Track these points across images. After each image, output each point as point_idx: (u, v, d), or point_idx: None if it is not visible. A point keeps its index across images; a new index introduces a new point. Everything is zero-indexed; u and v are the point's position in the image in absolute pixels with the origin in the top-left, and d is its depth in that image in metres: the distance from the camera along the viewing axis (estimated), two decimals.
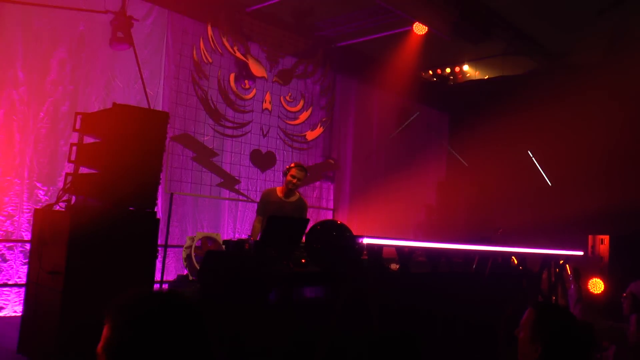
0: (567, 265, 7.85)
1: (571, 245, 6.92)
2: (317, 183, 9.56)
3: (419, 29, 8.59)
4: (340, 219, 9.57)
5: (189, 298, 1.53)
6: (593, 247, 8.81)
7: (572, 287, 7.62)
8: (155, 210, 4.57)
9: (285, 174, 5.80)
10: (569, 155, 9.55)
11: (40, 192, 6.49)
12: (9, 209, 6.31)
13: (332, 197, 9.72)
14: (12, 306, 6.27)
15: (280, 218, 5.41)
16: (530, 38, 9.38)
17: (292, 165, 5.80)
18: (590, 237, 8.89)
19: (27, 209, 6.37)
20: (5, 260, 6.27)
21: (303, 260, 4.62)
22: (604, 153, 9.38)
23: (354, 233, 4.43)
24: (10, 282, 6.28)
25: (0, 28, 6.30)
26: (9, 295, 6.28)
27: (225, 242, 5.09)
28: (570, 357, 2.35)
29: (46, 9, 6.45)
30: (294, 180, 5.76)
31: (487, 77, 11.39)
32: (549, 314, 2.44)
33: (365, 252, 4.36)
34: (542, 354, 2.32)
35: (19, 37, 6.44)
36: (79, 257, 4.00)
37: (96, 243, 4.09)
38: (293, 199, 5.87)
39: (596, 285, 8.66)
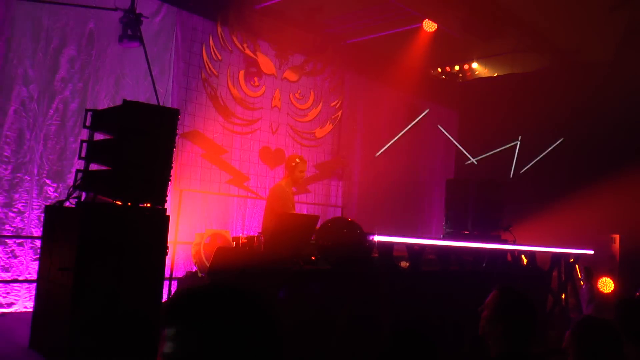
0: (577, 265, 7.81)
1: (582, 244, 6.89)
2: (326, 180, 9.55)
3: (429, 25, 8.57)
4: (348, 217, 9.56)
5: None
6: (604, 245, 8.76)
7: (584, 286, 7.58)
8: (165, 207, 4.57)
9: (293, 170, 5.80)
10: (579, 153, 9.49)
11: (50, 188, 6.51)
12: (19, 205, 6.33)
13: (340, 194, 9.71)
14: (22, 302, 6.30)
15: (290, 215, 5.42)
16: (540, 35, 9.31)
17: (297, 160, 5.80)
18: (601, 235, 8.83)
19: (36, 205, 6.39)
20: (15, 257, 6.30)
21: (313, 258, 4.62)
22: (615, 150, 9.31)
23: (363, 231, 4.43)
24: (20, 278, 6.31)
25: (10, 26, 6.32)
26: (19, 291, 6.30)
27: (235, 238, 5.10)
28: (526, 335, 2.66)
29: (56, 6, 6.46)
30: (303, 174, 5.85)
31: (496, 74, 11.33)
32: (511, 297, 2.72)
33: (375, 250, 4.35)
34: (503, 331, 2.63)
35: (29, 34, 6.45)
36: (90, 253, 4.01)
37: (106, 239, 4.10)
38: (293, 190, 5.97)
39: (606, 285, 8.61)
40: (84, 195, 4.54)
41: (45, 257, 4.35)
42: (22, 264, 6.33)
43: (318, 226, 4.79)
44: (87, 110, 4.64)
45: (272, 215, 5.71)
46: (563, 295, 6.70)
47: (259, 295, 1.39)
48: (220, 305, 1.34)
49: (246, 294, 1.39)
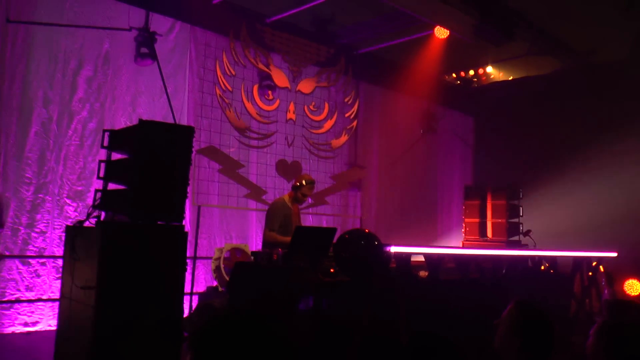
0: (601, 267, 7.69)
1: (605, 246, 6.80)
2: (345, 191, 9.53)
3: (440, 32, 8.55)
4: (367, 227, 9.54)
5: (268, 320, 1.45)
6: (630, 246, 8.61)
7: (606, 291, 7.45)
8: (184, 223, 4.61)
9: (296, 190, 5.84)
10: (599, 153, 9.38)
11: (70, 208, 6.61)
12: (41, 225, 6.43)
13: (359, 205, 9.69)
14: (46, 320, 6.39)
15: (307, 228, 5.44)
16: (553, 37, 9.25)
17: (303, 182, 5.82)
18: (625, 236, 8.68)
19: (58, 225, 6.49)
20: (38, 276, 6.40)
21: (332, 270, 4.62)
22: (637, 149, 9.19)
23: (382, 241, 4.42)
24: (44, 297, 6.40)
25: (30, 49, 6.45)
26: (43, 310, 6.40)
27: (253, 253, 5.12)
28: (544, 351, 2.62)
29: (72, 28, 6.59)
30: (305, 198, 5.92)
31: (511, 77, 11.26)
32: (529, 313, 2.67)
33: (393, 260, 4.35)
34: (520, 346, 2.59)
35: (47, 57, 6.58)
36: (110, 271, 4.06)
37: (126, 257, 4.14)
38: (296, 207, 5.99)
39: (633, 287, 8.48)
40: (103, 214, 4.60)
41: (67, 276, 4.40)
42: (45, 283, 6.43)
43: (336, 238, 4.80)
44: (104, 131, 4.70)
45: (267, 230, 5.77)
46: (587, 300, 6.61)
47: (278, 323, 1.39)
48: (239, 334, 1.35)
49: (265, 322, 1.39)
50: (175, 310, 4.44)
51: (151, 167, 4.34)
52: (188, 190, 4.62)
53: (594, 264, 6.67)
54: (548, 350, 2.63)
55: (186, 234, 4.58)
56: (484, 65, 11.02)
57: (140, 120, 4.39)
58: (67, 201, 6.61)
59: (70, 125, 6.72)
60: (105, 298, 4.02)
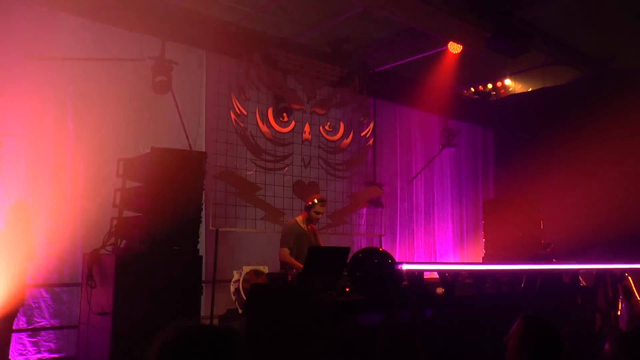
0: (630, 277, 7.51)
1: (630, 258, 6.65)
2: (364, 210, 9.51)
3: (454, 47, 8.54)
4: (390, 244, 9.50)
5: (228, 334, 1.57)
6: None
7: (623, 306, 7.24)
8: (198, 247, 4.68)
9: (308, 210, 5.92)
10: (622, 163, 9.22)
11: (91, 236, 6.72)
12: (64, 254, 6.56)
13: (380, 223, 9.65)
14: (71, 347, 6.48)
15: (320, 248, 5.46)
16: (570, 46, 9.17)
17: (315, 201, 5.92)
18: None
19: (80, 253, 6.60)
20: (63, 303, 6.52)
21: (347, 289, 4.63)
22: None
23: (405, 257, 4.43)
24: (69, 324, 6.50)
25: (51, 83, 6.63)
26: (68, 337, 6.50)
27: (268, 275, 5.16)
28: None
29: (91, 61, 6.78)
30: (318, 216, 5.98)
31: (530, 89, 11.18)
32: (537, 326, 2.68)
33: (405, 278, 4.33)
34: None
35: (68, 89, 6.75)
36: (126, 297, 4.14)
37: (141, 283, 4.23)
38: (310, 228, 6.06)
39: None
40: (119, 241, 4.69)
41: (84, 303, 4.50)
42: (70, 310, 6.53)
43: (350, 257, 4.81)
44: (119, 159, 4.82)
45: (280, 248, 5.90)
46: (612, 313, 6.45)
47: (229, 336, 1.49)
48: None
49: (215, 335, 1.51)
50: None
51: (164, 193, 4.45)
52: (204, 214, 4.71)
53: (620, 275, 6.51)
54: None
55: (200, 258, 4.66)
56: (502, 78, 10.98)
57: (153, 148, 4.50)
58: (89, 229, 6.72)
59: (90, 155, 6.86)
60: (120, 323, 4.09)
